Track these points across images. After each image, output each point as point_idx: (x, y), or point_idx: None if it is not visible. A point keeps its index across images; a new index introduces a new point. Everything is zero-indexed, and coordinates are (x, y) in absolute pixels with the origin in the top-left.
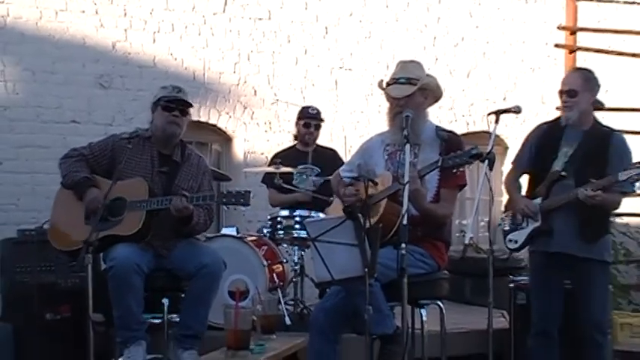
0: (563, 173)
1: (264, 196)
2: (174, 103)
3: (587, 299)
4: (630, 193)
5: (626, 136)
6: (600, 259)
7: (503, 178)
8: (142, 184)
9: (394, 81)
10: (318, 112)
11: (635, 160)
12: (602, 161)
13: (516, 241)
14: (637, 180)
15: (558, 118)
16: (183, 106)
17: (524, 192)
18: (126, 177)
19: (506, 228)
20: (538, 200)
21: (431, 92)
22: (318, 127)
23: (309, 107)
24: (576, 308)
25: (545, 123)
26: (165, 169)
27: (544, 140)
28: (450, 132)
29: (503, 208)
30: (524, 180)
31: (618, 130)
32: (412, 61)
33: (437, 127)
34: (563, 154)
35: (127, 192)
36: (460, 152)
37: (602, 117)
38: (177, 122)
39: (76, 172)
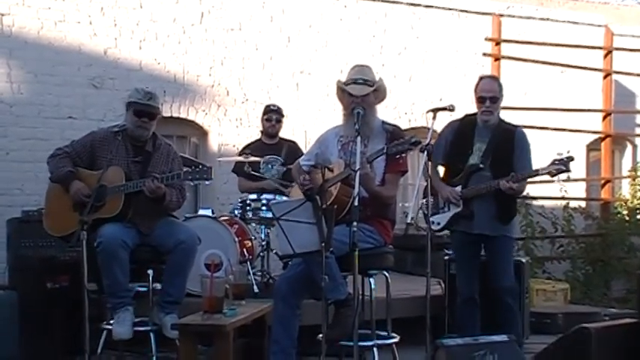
0: (481, 166)
1: (235, 182)
2: (144, 110)
3: (499, 269)
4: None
5: (538, 131)
6: (509, 235)
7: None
8: (119, 171)
9: (353, 81)
10: (279, 109)
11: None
12: (509, 153)
13: (439, 223)
14: (557, 174)
15: (467, 116)
16: (152, 112)
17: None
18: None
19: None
20: (458, 188)
21: (380, 93)
22: (279, 121)
23: (270, 105)
24: (490, 277)
25: (455, 121)
26: (139, 159)
27: (457, 137)
28: (394, 126)
29: (421, 194)
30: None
31: (521, 126)
32: (366, 66)
33: (383, 121)
34: (478, 149)
35: (107, 180)
36: (402, 140)
37: (519, 115)
38: (146, 127)
39: (61, 168)
